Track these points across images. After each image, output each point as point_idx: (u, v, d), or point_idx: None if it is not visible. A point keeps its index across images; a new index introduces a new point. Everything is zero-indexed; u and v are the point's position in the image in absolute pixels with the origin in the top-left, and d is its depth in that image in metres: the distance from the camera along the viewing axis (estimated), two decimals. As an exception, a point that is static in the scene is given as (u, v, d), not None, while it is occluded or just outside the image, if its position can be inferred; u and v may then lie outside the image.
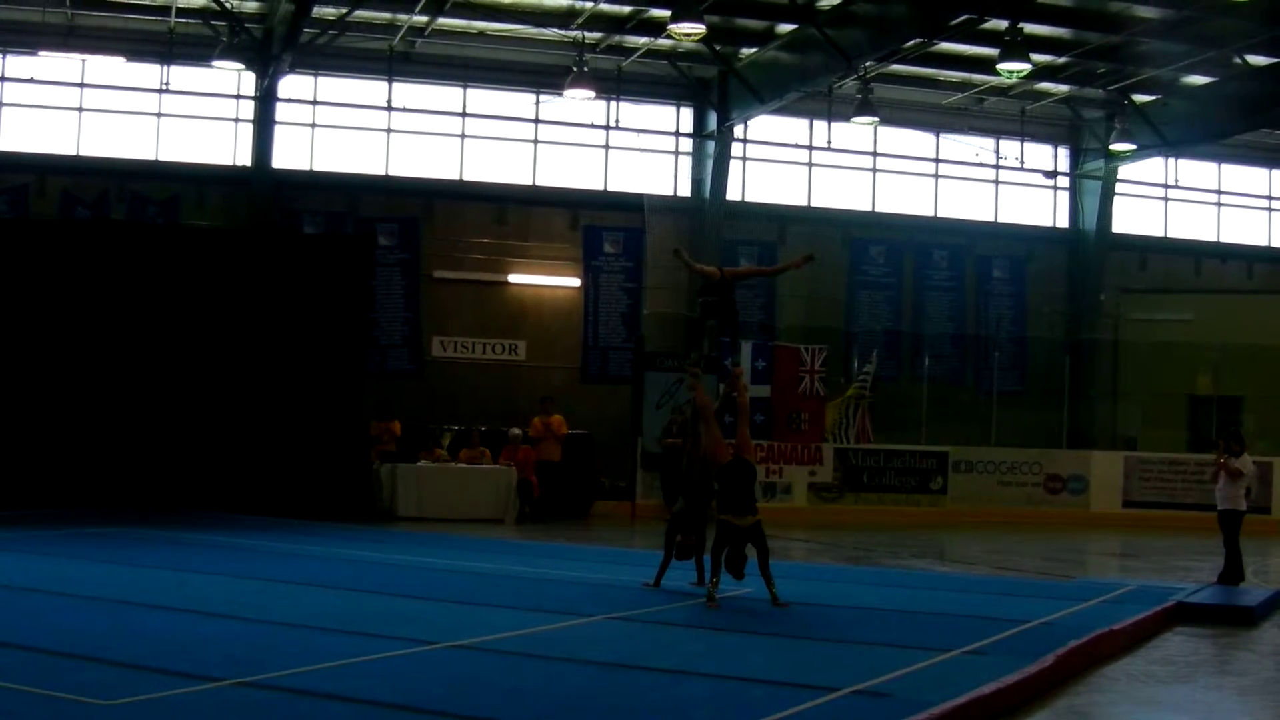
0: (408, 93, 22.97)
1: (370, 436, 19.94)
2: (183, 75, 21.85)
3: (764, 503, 12.73)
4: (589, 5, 21.00)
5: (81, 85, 21.65)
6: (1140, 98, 23.94)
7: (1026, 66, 19.36)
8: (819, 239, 24.27)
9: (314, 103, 22.72)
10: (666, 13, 18.71)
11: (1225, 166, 27.69)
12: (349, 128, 22.91)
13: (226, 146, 22.27)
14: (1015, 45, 18.84)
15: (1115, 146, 24.50)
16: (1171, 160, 26.98)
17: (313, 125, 22.75)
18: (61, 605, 9.54)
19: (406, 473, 19.41)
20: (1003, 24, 19.24)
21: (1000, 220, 26.46)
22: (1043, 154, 26.69)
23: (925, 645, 8.54)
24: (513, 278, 23.49)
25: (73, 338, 18.19)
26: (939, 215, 26.06)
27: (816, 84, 22.12)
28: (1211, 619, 10.84)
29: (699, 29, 18.11)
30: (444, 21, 21.65)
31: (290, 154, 22.49)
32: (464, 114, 23.37)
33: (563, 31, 21.64)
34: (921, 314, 25.72)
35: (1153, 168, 27.04)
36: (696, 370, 11.60)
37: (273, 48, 21.00)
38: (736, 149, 24.51)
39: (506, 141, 23.63)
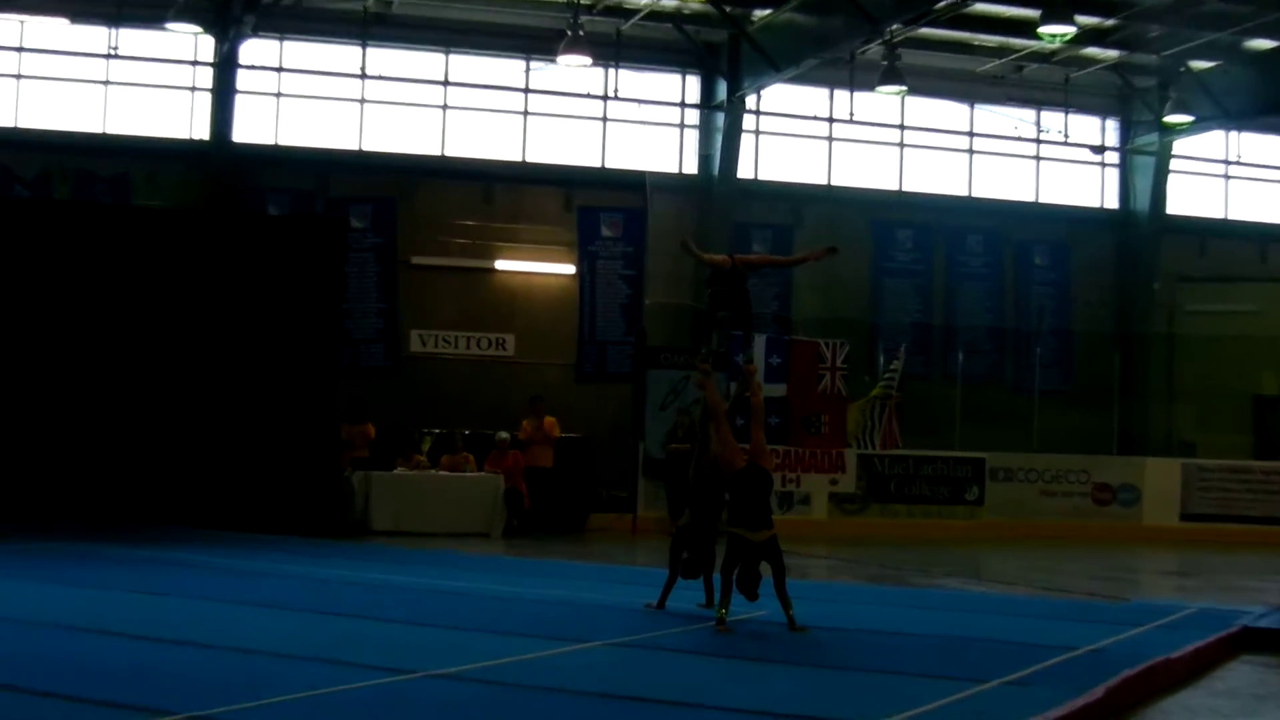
0: (384, 59, 22.93)
1: (341, 441, 19.90)
2: (133, 39, 21.78)
3: (780, 515, 12.72)
4: (585, -39, 21.00)
5: (20, 50, 21.64)
6: (1198, 64, 23.88)
7: (1071, 29, 19.33)
8: (840, 222, 24.27)
9: (279, 69, 22.68)
10: (671, -30, 18.70)
11: (1293, 141, 27.67)
12: (318, 98, 22.90)
13: (182, 118, 22.26)
14: (1058, 6, 18.81)
15: (1170, 118, 24.45)
16: (1233, 134, 26.95)
17: (278, 95, 22.72)
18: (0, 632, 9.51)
19: (381, 481, 19.39)
20: (1045, -18, 19.22)
21: (1041, 201, 26.46)
22: (1089, 127, 26.66)
23: (960, 675, 8.51)
24: (500, 264, 23.48)
25: (7, 332, 18.14)
26: (973, 195, 26.04)
27: (837, 49, 22.06)
28: (1280, 646, 10.80)
29: (707, -12, 18.08)
30: (424, -21, 21.66)
31: (253, 127, 22.47)
32: (446, 83, 23.34)
33: (556, -10, 21.64)
34: (954, 305, 25.71)
35: (1212, 142, 27.00)
36: (706, 367, 11.53)
37: (233, 8, 20.98)
38: (748, 122, 24.48)
39: (493, 113, 23.62)
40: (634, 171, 23.92)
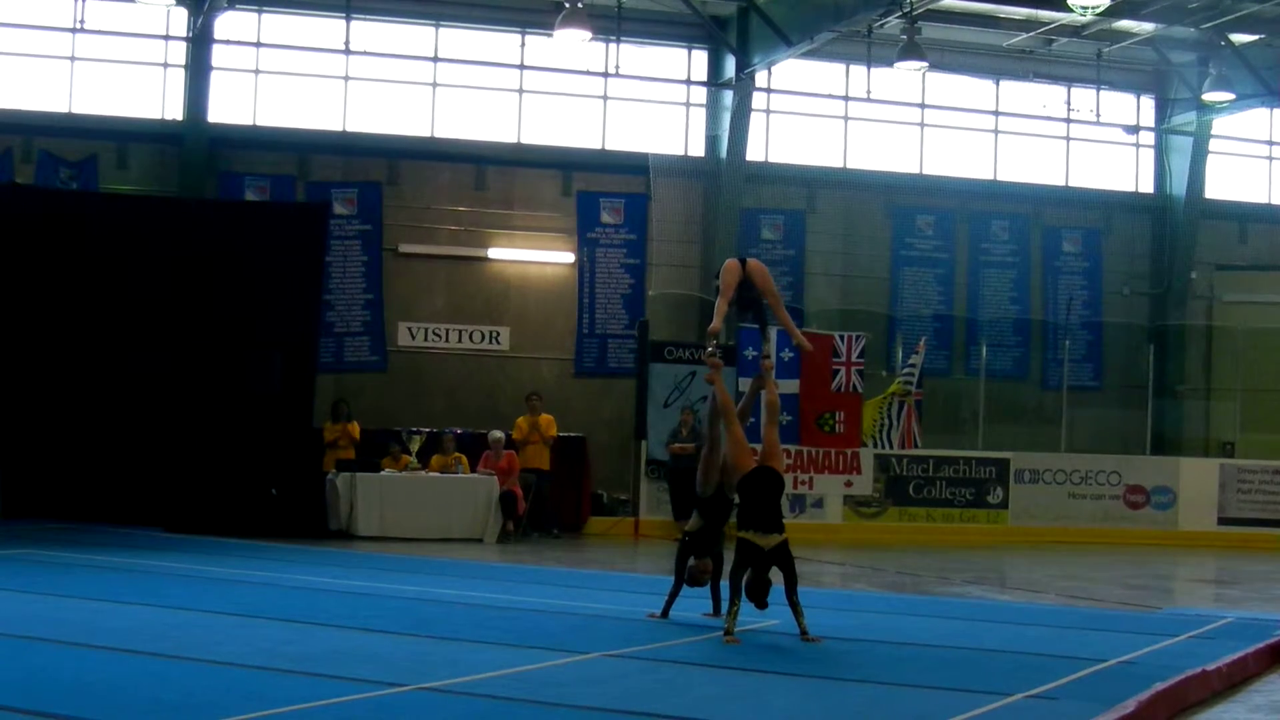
0: (369, 33, 22.91)
1: (324, 441, 19.95)
2: (101, 12, 21.81)
3: (791, 519, 12.73)
4: (584, -71, 20.99)
5: (-19, 24, 21.67)
6: (1239, 38, 23.86)
7: (1104, 0, 19.29)
8: (856, 207, 24.29)
9: (257, 45, 22.68)
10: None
11: (1340, 120, 27.67)
12: (299, 75, 22.90)
13: (154, 97, 22.27)
14: (1090, -25, 18.80)
15: (1209, 96, 24.44)
16: (1277, 112, 26.92)
17: (256, 72, 22.73)
18: (-43, 643, 9.53)
19: (367, 484, 19.40)
20: (1076, -50, 19.23)
21: (1072, 184, 26.45)
22: (1123, 105, 26.64)
23: (982, 688, 8.54)
24: (494, 253, 23.50)
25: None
26: (999, 178, 26.04)
27: (854, 22, 22.05)
28: (1324, 657, 10.82)
29: (714, -43, 18.09)
30: (411, -52, 21.68)
31: (229, 106, 22.48)
32: (435, 59, 23.34)
33: (552, -40, 21.65)
34: (978, 295, 25.72)
35: (1254, 121, 27.00)
36: (716, 360, 11.55)
37: (208, -21, 20.99)
38: (758, 100, 24.48)
39: (486, 91, 23.63)
40: (636, 153, 23.91)
